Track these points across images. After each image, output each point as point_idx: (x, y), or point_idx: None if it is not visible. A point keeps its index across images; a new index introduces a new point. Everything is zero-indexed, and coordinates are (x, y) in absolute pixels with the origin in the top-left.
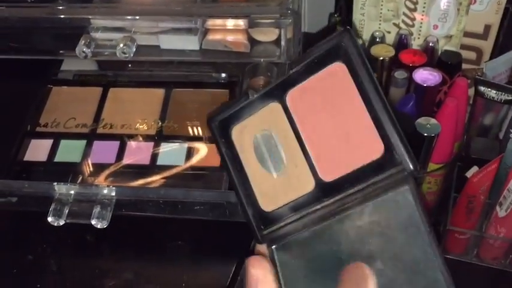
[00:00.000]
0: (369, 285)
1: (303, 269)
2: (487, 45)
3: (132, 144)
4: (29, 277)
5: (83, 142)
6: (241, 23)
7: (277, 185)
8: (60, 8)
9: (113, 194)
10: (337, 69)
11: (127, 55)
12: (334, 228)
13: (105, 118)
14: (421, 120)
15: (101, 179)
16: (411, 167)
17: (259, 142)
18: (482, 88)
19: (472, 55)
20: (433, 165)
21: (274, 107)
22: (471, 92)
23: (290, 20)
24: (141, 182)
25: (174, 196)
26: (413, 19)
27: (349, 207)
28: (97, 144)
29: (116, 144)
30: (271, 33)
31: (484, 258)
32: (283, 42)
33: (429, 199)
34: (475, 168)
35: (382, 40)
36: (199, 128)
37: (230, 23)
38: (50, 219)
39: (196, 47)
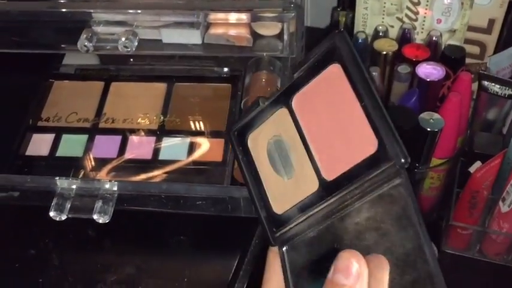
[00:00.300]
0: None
1: (308, 268)
2: (491, 40)
3: (134, 138)
4: (31, 271)
5: (85, 136)
6: (243, 16)
7: (287, 188)
8: (62, 1)
9: (115, 188)
10: (335, 70)
11: (129, 49)
12: (335, 226)
13: (107, 112)
14: (424, 115)
15: (102, 174)
16: (402, 160)
17: (272, 148)
18: (486, 83)
19: (475, 49)
20: (436, 160)
21: (282, 112)
22: (475, 86)
23: (293, 14)
24: (143, 176)
25: (176, 191)
26: (416, 13)
27: (349, 205)
28: (99, 138)
29: (117, 138)
30: (273, 27)
31: (486, 254)
32: (285, 36)
33: (432, 194)
34: (478, 164)
35: (386, 34)
36: (201, 123)
37: (232, 16)
38: (51, 213)
39: (199, 41)
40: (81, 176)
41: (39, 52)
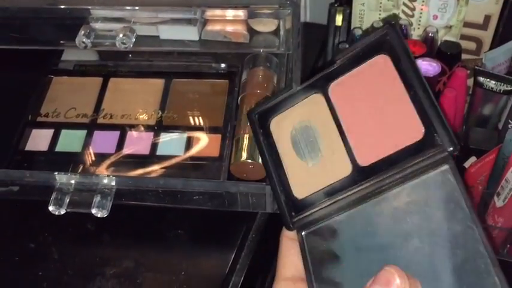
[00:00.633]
0: None
1: (331, 253)
2: (487, 36)
3: (132, 134)
4: (31, 265)
5: (84, 132)
6: (240, 13)
7: (310, 173)
8: None
9: (113, 183)
10: (381, 61)
11: (126, 45)
12: (368, 210)
13: (105, 108)
14: None
15: (101, 169)
16: (451, 147)
17: (297, 133)
18: (481, 78)
19: (471, 45)
20: None
21: (316, 98)
22: (471, 82)
23: (289, 11)
24: (141, 171)
25: (174, 186)
26: (413, 9)
27: (386, 189)
28: (97, 134)
29: (116, 134)
30: (270, 24)
31: None
32: (282, 33)
33: None
34: (473, 159)
35: None
36: (198, 118)
37: (229, 13)
38: (51, 208)
39: (196, 38)
40: (80, 171)
41: (38, 48)
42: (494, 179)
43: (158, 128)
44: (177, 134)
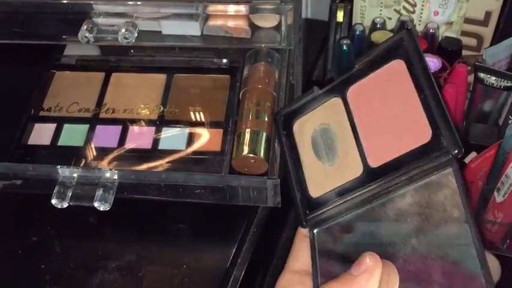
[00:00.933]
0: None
1: (338, 250)
2: (488, 32)
3: (134, 128)
4: (33, 258)
5: (86, 126)
6: (242, 8)
7: (327, 174)
8: None
9: (115, 177)
10: (397, 66)
11: (129, 40)
12: (375, 210)
13: (107, 103)
14: None
15: (103, 163)
16: (455, 150)
17: (318, 135)
18: (482, 74)
19: (472, 42)
20: None
21: (336, 101)
22: (471, 78)
23: (290, 6)
24: (143, 166)
25: (175, 180)
26: (414, 5)
27: (393, 190)
28: (99, 128)
29: (118, 128)
30: (272, 19)
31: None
32: (283, 28)
33: None
34: (473, 154)
35: (383, 26)
36: (200, 113)
37: (231, 8)
38: (53, 201)
39: (198, 33)
40: (82, 165)
41: (41, 43)
42: (494, 174)
43: (160, 122)
44: (179, 128)
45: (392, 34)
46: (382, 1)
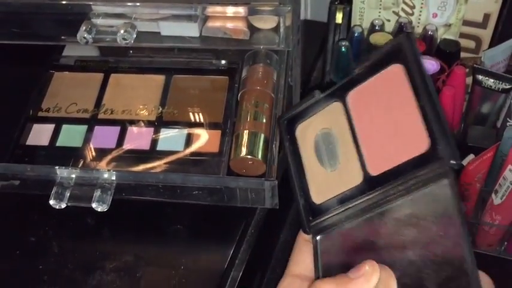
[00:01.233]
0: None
1: (340, 257)
2: (486, 34)
3: (132, 129)
4: (31, 259)
5: (84, 127)
6: (241, 10)
7: (329, 179)
8: None
9: (113, 178)
10: (395, 70)
11: (127, 41)
12: (374, 220)
13: (106, 103)
14: None
15: (101, 164)
16: (452, 161)
17: (320, 140)
18: (480, 77)
19: (471, 44)
20: None
21: (336, 106)
22: (470, 80)
23: (289, 8)
24: (141, 167)
25: (173, 181)
26: (412, 7)
27: (391, 200)
28: (98, 129)
29: (116, 129)
30: (270, 21)
31: (479, 245)
32: (282, 30)
33: None
34: (471, 156)
35: (382, 28)
36: (198, 114)
37: (230, 10)
38: (51, 202)
39: (196, 34)
40: (80, 165)
41: (40, 44)
42: (492, 176)
43: (158, 123)
44: (177, 129)
45: (390, 36)
46: (380, 3)
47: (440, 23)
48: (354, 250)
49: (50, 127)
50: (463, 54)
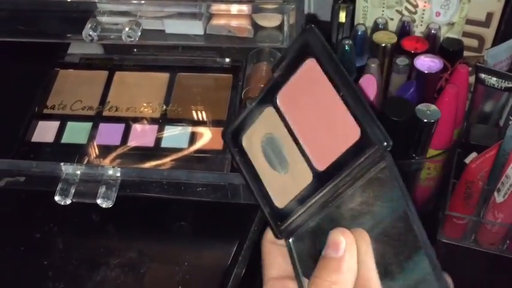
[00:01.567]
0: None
1: (313, 255)
2: (489, 33)
3: (137, 127)
4: (36, 254)
5: (89, 124)
6: (245, 8)
7: (285, 182)
8: None
9: (118, 174)
10: (311, 65)
11: (132, 39)
12: (333, 214)
13: (110, 101)
14: (421, 107)
15: (106, 161)
16: (384, 143)
17: (265, 145)
18: (483, 75)
19: (474, 43)
20: (433, 151)
21: (270, 111)
22: (472, 79)
23: (293, 6)
24: (145, 164)
25: (177, 177)
26: (416, 6)
27: (342, 192)
28: (103, 126)
29: (121, 126)
30: (274, 19)
31: (481, 243)
32: (286, 28)
33: (429, 185)
34: (474, 155)
35: (385, 27)
36: (202, 112)
37: (234, 8)
38: (56, 198)
39: (201, 32)
40: (85, 162)
41: (45, 41)
42: (495, 175)
43: (163, 121)
44: (181, 127)
45: (394, 35)
46: (384, 2)
47: (443, 22)
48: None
49: (55, 124)
50: (466, 53)
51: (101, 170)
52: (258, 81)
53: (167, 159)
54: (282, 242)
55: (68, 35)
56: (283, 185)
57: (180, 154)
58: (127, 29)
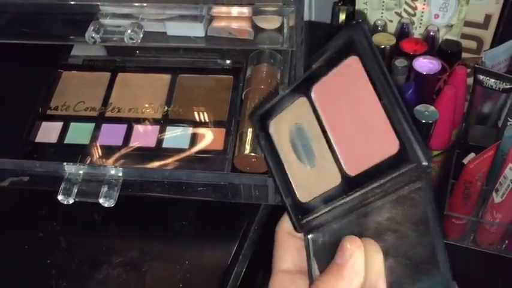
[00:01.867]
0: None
1: (331, 256)
2: (488, 35)
3: (138, 127)
4: (40, 253)
5: (92, 125)
6: (245, 10)
7: (310, 177)
8: None
9: (120, 174)
10: (353, 63)
11: (134, 41)
12: (357, 221)
13: (113, 102)
14: (420, 107)
15: (108, 161)
16: (423, 163)
17: (294, 135)
18: (481, 77)
19: (472, 44)
20: (432, 151)
21: (303, 101)
22: (471, 80)
23: (292, 8)
24: (147, 164)
25: (178, 177)
26: (414, 8)
27: (371, 202)
28: (105, 127)
29: (123, 127)
30: (274, 21)
31: (480, 243)
32: (285, 30)
33: None
34: (472, 155)
35: (384, 29)
36: (204, 113)
37: (235, 10)
38: (59, 197)
39: (202, 34)
40: (88, 162)
41: (49, 43)
42: (493, 175)
43: (164, 121)
44: (183, 127)
45: (393, 37)
46: (383, 4)
47: (442, 24)
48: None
49: (58, 125)
50: (464, 55)
51: (103, 170)
52: (259, 82)
53: (169, 160)
54: (299, 234)
55: (71, 37)
56: (308, 179)
57: (181, 154)
58: (129, 31)
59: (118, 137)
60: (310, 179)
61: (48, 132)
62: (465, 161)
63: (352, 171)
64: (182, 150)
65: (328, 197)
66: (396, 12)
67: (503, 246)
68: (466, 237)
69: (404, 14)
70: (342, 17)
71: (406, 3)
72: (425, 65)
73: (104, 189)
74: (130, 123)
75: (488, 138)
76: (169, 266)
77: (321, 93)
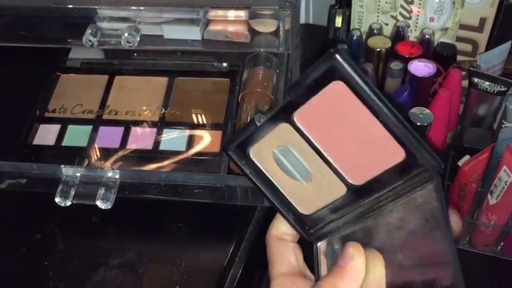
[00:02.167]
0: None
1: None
2: (483, 38)
3: (136, 130)
4: (37, 255)
5: (89, 127)
6: (241, 14)
7: (309, 191)
8: None
9: (117, 176)
10: (338, 87)
11: (131, 44)
12: (368, 225)
13: (110, 105)
14: (415, 110)
15: (106, 163)
16: (435, 166)
17: (279, 156)
18: (476, 79)
19: (467, 47)
20: None
21: (285, 127)
22: (466, 83)
23: (288, 12)
24: (144, 166)
25: (175, 179)
26: (410, 12)
27: (383, 206)
28: (102, 129)
29: (120, 129)
30: (270, 25)
31: (476, 245)
32: (281, 33)
33: None
34: (467, 157)
35: (380, 32)
36: (200, 115)
37: (231, 14)
38: (57, 199)
39: (199, 37)
40: (85, 164)
41: (47, 46)
42: (488, 177)
43: (161, 124)
44: (180, 130)
45: (388, 40)
46: (379, 7)
47: (437, 27)
48: None
49: (56, 127)
50: (459, 58)
51: (100, 172)
52: (255, 85)
53: (165, 162)
54: (289, 238)
55: (69, 40)
56: (307, 193)
57: (178, 157)
58: (126, 34)
59: (115, 140)
60: (310, 193)
61: (46, 135)
62: (460, 163)
63: (358, 181)
64: (179, 153)
65: (335, 206)
66: (392, 16)
67: (499, 247)
68: (461, 239)
69: (399, 17)
70: (338, 19)
71: (402, 6)
72: (421, 67)
73: (101, 191)
74: (127, 125)
75: (483, 140)
76: (166, 268)
77: (305, 117)
